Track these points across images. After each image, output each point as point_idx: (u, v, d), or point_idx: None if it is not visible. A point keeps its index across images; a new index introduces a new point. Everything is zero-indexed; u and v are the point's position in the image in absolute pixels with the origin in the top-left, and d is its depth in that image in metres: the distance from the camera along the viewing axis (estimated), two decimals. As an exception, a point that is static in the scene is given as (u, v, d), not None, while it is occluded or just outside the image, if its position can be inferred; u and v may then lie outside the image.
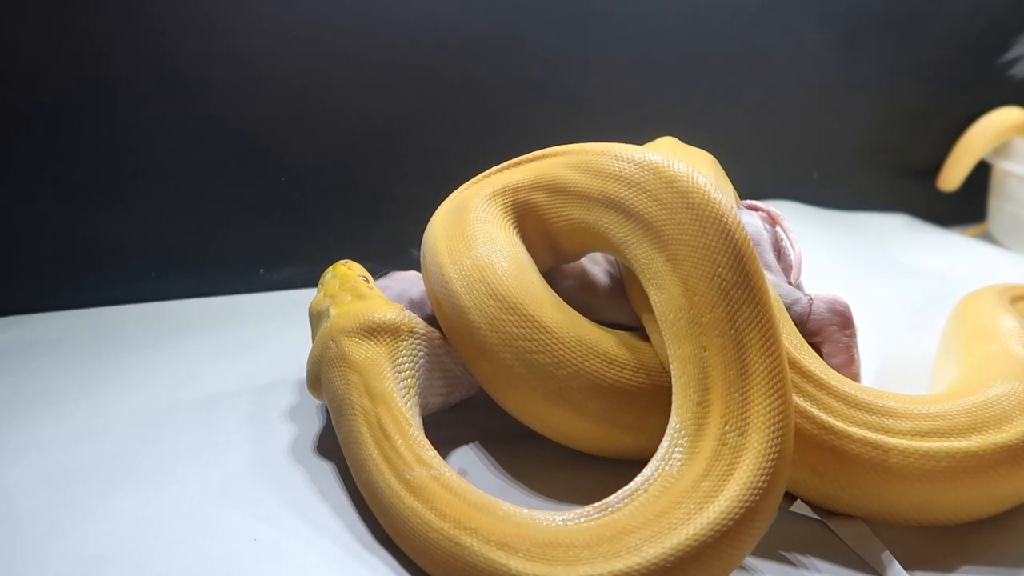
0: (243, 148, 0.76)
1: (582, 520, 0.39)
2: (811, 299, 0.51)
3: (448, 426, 0.54)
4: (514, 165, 0.54)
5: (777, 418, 0.40)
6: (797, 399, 0.45)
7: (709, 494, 0.38)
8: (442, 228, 0.52)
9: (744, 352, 0.42)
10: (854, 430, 0.44)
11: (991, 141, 0.99)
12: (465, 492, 0.42)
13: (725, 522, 0.37)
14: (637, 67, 0.87)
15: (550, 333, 0.46)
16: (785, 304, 0.51)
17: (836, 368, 0.49)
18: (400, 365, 0.48)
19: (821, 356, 0.50)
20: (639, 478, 0.40)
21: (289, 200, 0.78)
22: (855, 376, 0.50)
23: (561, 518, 0.40)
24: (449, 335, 0.51)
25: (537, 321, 0.46)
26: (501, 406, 0.50)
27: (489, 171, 0.55)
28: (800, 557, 0.44)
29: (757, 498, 0.38)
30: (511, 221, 0.52)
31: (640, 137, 0.62)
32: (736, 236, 0.43)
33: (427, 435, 0.45)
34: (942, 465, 0.43)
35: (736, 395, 0.41)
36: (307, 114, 0.77)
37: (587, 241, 0.51)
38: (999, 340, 0.54)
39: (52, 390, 0.59)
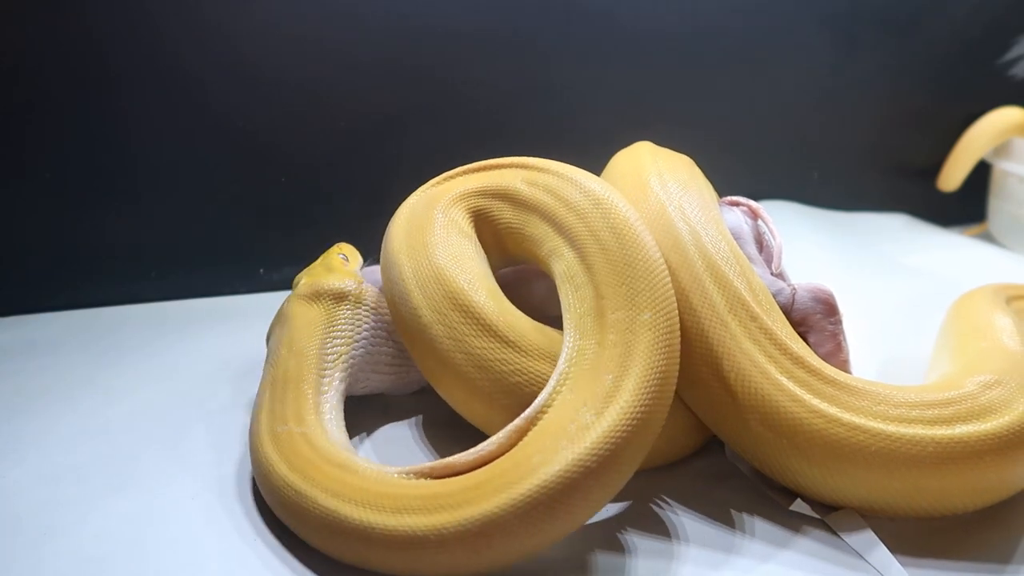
0: (243, 148, 0.76)
1: (421, 476, 0.42)
2: (794, 289, 0.51)
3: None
4: (476, 170, 0.56)
5: (639, 410, 0.41)
6: (788, 383, 0.45)
7: (534, 468, 0.38)
8: (402, 236, 0.52)
9: (632, 350, 0.43)
10: (843, 414, 0.44)
11: (991, 141, 0.99)
12: (326, 449, 0.44)
13: (533, 499, 0.37)
14: (636, 67, 0.87)
15: (512, 343, 0.46)
16: None
17: (824, 357, 0.49)
18: (337, 330, 0.52)
19: (808, 346, 0.50)
20: (489, 441, 0.41)
21: (289, 200, 0.78)
22: (843, 364, 0.50)
23: (406, 472, 0.42)
24: (407, 340, 0.51)
25: (496, 330, 0.47)
26: (465, 417, 0.50)
27: (450, 173, 0.56)
28: (799, 555, 0.44)
29: (577, 476, 0.38)
30: (470, 224, 0.53)
31: (638, 136, 0.62)
32: (650, 255, 0.47)
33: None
34: (928, 451, 0.43)
35: (609, 383, 0.42)
36: (307, 114, 0.77)
37: (524, 248, 0.53)
38: (992, 337, 0.54)
39: (52, 390, 0.59)
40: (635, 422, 0.40)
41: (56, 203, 0.72)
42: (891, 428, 0.44)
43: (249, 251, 0.79)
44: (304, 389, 0.48)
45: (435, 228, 0.51)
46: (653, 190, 0.53)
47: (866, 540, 0.44)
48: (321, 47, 0.75)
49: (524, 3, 0.80)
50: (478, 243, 0.53)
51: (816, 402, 0.45)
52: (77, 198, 0.73)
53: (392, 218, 0.55)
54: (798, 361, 0.46)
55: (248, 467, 0.50)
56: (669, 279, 0.46)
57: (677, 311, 0.46)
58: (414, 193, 0.56)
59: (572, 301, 0.47)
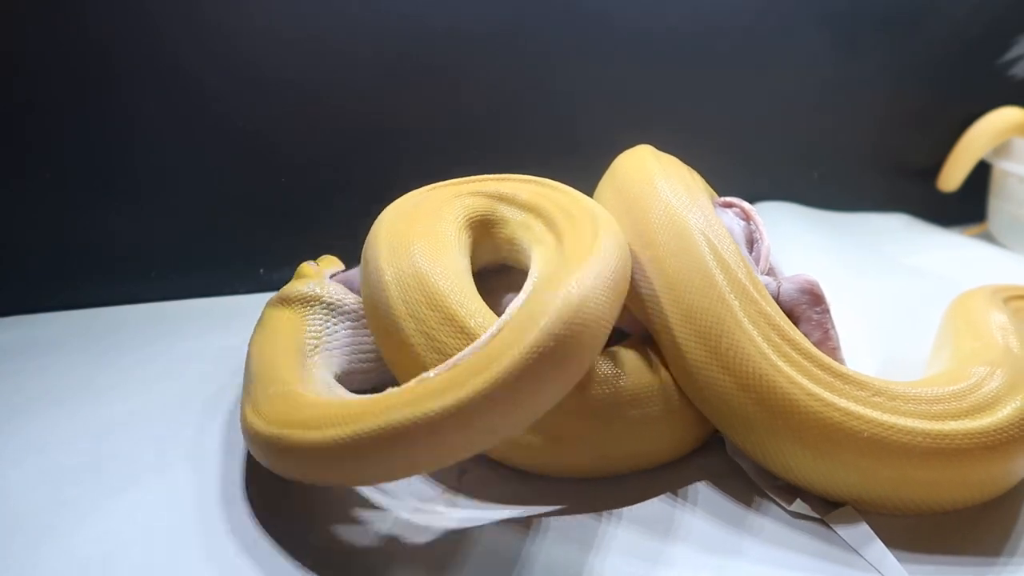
0: (243, 148, 0.76)
1: (394, 390, 0.42)
2: (779, 282, 0.52)
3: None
4: (466, 182, 0.58)
5: (595, 288, 0.43)
6: (785, 366, 0.46)
7: (507, 348, 0.40)
8: (384, 239, 0.52)
9: (587, 256, 0.45)
10: (838, 399, 0.45)
11: (991, 141, 0.99)
12: (296, 398, 0.45)
13: (513, 374, 0.39)
14: (636, 67, 0.87)
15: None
16: None
17: (814, 346, 0.50)
18: (308, 326, 0.54)
19: None
20: (465, 351, 0.42)
21: (289, 200, 0.78)
22: (833, 352, 0.51)
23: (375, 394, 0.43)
24: (381, 342, 0.51)
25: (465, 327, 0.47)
26: None
27: (439, 184, 0.58)
28: (799, 554, 0.44)
29: (547, 347, 0.40)
30: (456, 226, 0.54)
31: (638, 137, 0.62)
32: (611, 219, 0.51)
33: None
34: (917, 441, 0.44)
35: (564, 275, 0.43)
36: (307, 114, 0.77)
37: (496, 232, 0.55)
38: (988, 335, 0.55)
39: (52, 390, 0.59)
40: (592, 300, 0.42)
41: (56, 203, 0.72)
42: (884, 417, 0.44)
43: (249, 251, 0.79)
44: (281, 371, 0.49)
45: (417, 233, 0.52)
46: (660, 188, 0.54)
47: (866, 539, 0.44)
48: (321, 47, 0.75)
49: (524, 4, 0.80)
50: (463, 247, 0.53)
51: (812, 385, 0.45)
52: (77, 198, 0.73)
53: (376, 221, 0.55)
54: (795, 346, 0.47)
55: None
56: (624, 238, 0.50)
57: (630, 252, 0.50)
58: (401, 198, 0.57)
59: (538, 247, 0.50)
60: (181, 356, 0.65)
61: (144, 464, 0.51)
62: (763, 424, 0.46)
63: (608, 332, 0.44)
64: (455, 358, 0.43)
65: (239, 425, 0.55)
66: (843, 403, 0.45)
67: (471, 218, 0.55)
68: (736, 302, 0.48)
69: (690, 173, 0.59)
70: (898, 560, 0.43)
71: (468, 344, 0.46)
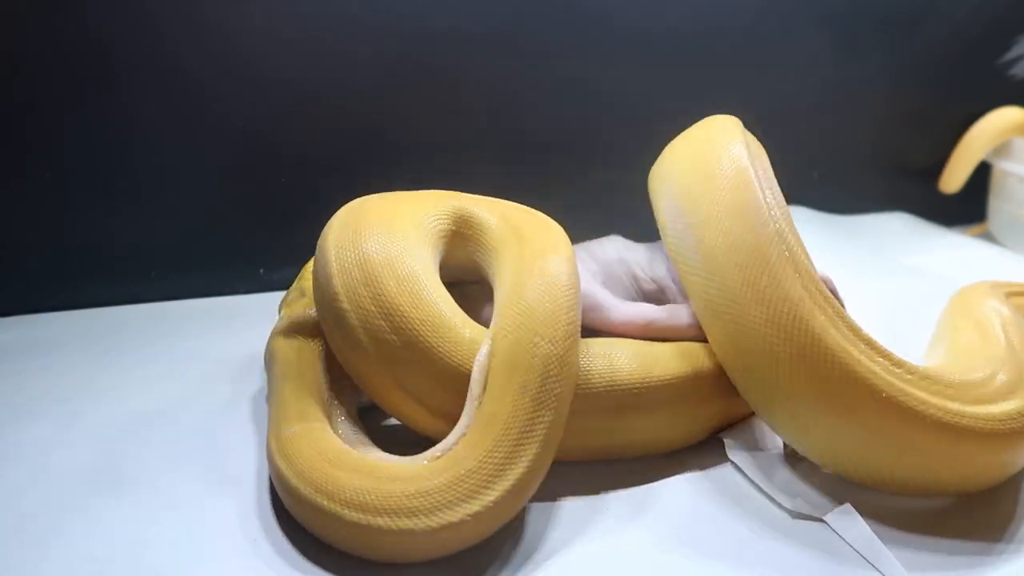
0: (243, 148, 0.76)
1: (425, 462, 0.43)
2: None
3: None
4: (455, 195, 0.58)
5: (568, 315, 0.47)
6: (819, 315, 0.46)
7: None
8: (336, 234, 0.51)
9: (545, 270, 0.49)
10: (863, 357, 0.45)
11: (991, 141, 0.99)
12: (324, 445, 0.45)
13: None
14: (637, 67, 0.87)
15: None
16: None
17: None
18: (323, 350, 0.52)
19: None
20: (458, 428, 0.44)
21: (289, 200, 0.78)
22: None
23: (409, 460, 0.43)
24: (340, 349, 0.50)
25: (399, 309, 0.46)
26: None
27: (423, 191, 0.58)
28: (798, 554, 0.44)
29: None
30: (426, 235, 0.53)
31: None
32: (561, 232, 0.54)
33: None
34: (929, 411, 0.45)
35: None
36: (307, 114, 0.77)
37: (468, 239, 0.55)
38: (985, 328, 0.56)
39: (53, 390, 0.59)
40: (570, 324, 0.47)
41: (56, 203, 0.72)
42: (902, 384, 0.45)
43: (249, 251, 0.79)
44: (300, 393, 0.49)
45: (375, 231, 0.50)
46: (735, 146, 0.54)
47: (864, 537, 0.45)
48: (321, 47, 0.75)
49: (524, 4, 0.80)
50: (432, 252, 0.52)
51: (842, 339, 0.46)
52: (77, 198, 0.73)
53: (332, 219, 0.53)
54: (831, 304, 0.47)
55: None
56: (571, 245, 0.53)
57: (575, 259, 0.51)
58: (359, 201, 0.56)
59: (498, 269, 0.52)
60: (182, 356, 0.65)
61: (144, 464, 0.51)
62: (786, 364, 0.46)
63: (576, 344, 0.47)
64: (459, 427, 0.44)
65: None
66: (867, 362, 0.45)
67: (437, 223, 0.54)
68: (785, 249, 0.48)
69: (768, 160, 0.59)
70: (892, 553, 0.43)
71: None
